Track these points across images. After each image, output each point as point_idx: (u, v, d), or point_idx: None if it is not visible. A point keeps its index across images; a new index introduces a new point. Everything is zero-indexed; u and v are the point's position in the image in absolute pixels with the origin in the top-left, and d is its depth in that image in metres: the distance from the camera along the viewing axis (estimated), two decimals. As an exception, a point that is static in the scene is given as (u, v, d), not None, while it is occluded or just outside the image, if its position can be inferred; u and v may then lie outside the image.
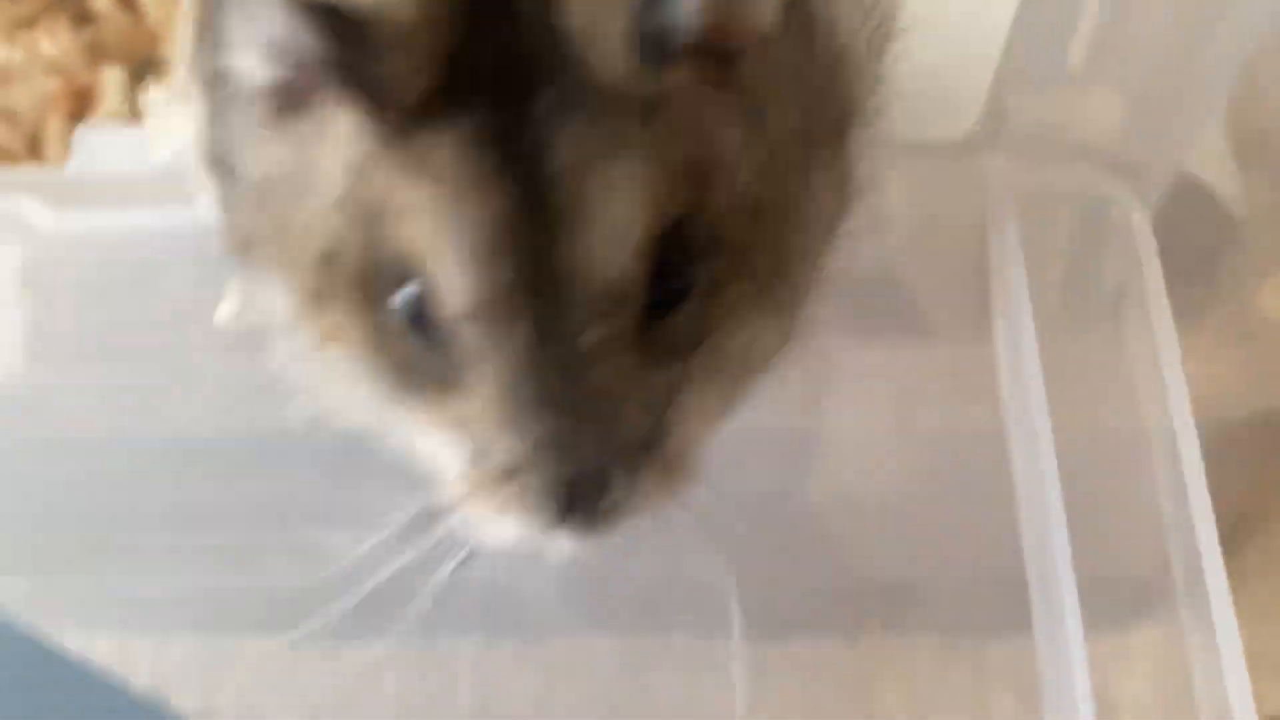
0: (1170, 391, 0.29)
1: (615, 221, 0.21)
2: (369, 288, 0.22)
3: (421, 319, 0.22)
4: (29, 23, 0.47)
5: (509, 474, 0.22)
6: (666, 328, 0.22)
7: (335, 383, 0.24)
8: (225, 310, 0.30)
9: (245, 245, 0.25)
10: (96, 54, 0.47)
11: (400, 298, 0.22)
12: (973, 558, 0.36)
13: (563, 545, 0.22)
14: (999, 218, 0.30)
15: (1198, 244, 0.32)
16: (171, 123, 0.30)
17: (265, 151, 0.24)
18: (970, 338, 0.31)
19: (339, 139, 0.22)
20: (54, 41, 0.46)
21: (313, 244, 0.23)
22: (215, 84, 0.25)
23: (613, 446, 0.22)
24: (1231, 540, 0.35)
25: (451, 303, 0.21)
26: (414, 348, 0.22)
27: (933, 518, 0.36)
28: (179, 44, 0.28)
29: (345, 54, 0.21)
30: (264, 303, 0.25)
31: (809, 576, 0.40)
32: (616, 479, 0.22)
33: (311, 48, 0.21)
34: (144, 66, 0.46)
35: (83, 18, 0.48)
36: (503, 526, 0.22)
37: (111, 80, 0.46)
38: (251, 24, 0.22)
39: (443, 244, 0.21)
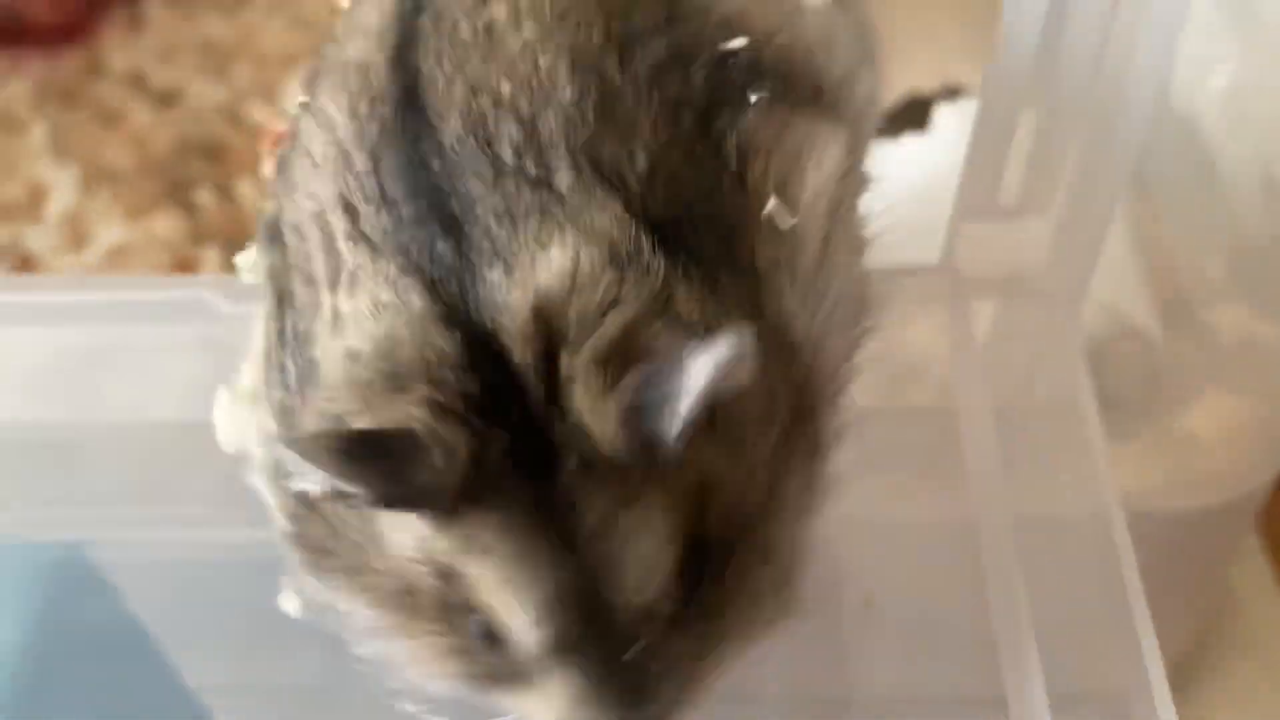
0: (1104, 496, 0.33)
1: (644, 562, 0.25)
2: (446, 613, 0.26)
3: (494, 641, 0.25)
4: (145, 210, 0.56)
5: None
6: (691, 616, 0.25)
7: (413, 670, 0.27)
8: (291, 604, 0.30)
9: (318, 556, 0.27)
10: (199, 236, 0.56)
11: (475, 626, 0.25)
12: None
13: None
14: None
15: (1127, 370, 0.39)
16: (238, 419, 0.30)
17: (338, 509, 0.26)
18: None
19: (403, 521, 0.25)
20: (165, 225, 0.55)
21: (391, 582, 0.26)
22: (281, 415, 0.27)
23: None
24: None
25: (523, 644, 0.25)
26: (487, 658, 0.26)
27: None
28: (252, 349, 0.30)
29: (384, 488, 0.23)
30: (340, 605, 0.28)
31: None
32: None
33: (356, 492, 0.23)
34: (238, 244, 0.54)
35: (188, 206, 0.57)
36: None
37: (210, 258, 0.55)
38: (303, 471, 0.24)
39: (506, 605, 0.24)
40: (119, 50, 0.66)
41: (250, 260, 0.33)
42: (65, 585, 0.31)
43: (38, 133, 0.61)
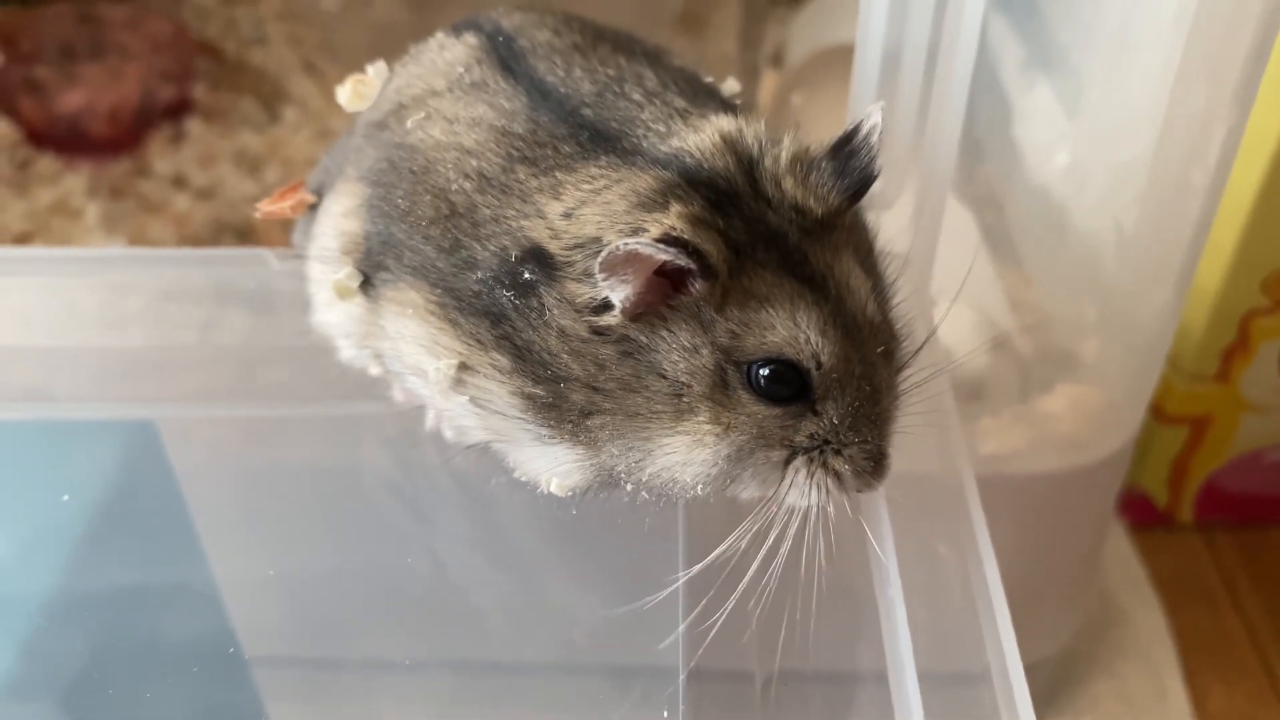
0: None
1: (863, 287, 0.33)
2: (719, 394, 0.32)
3: (767, 390, 0.32)
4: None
5: (850, 453, 0.33)
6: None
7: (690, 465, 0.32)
8: (558, 485, 0.35)
9: (581, 418, 0.33)
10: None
11: (761, 379, 0.32)
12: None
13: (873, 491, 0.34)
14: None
15: (1000, 368, 0.48)
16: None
17: (594, 350, 0.32)
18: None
19: (685, 321, 0.32)
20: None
21: (665, 389, 0.32)
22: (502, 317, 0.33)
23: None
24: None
25: (822, 365, 0.32)
26: (761, 410, 0.32)
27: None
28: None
29: (697, 269, 0.31)
30: (611, 460, 0.33)
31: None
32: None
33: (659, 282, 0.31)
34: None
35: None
36: (829, 486, 0.33)
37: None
38: (626, 275, 0.31)
39: (795, 334, 0.32)
40: (162, 158, 0.77)
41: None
42: (132, 463, 0.38)
43: (91, 214, 0.71)
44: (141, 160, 0.76)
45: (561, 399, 0.32)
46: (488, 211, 0.33)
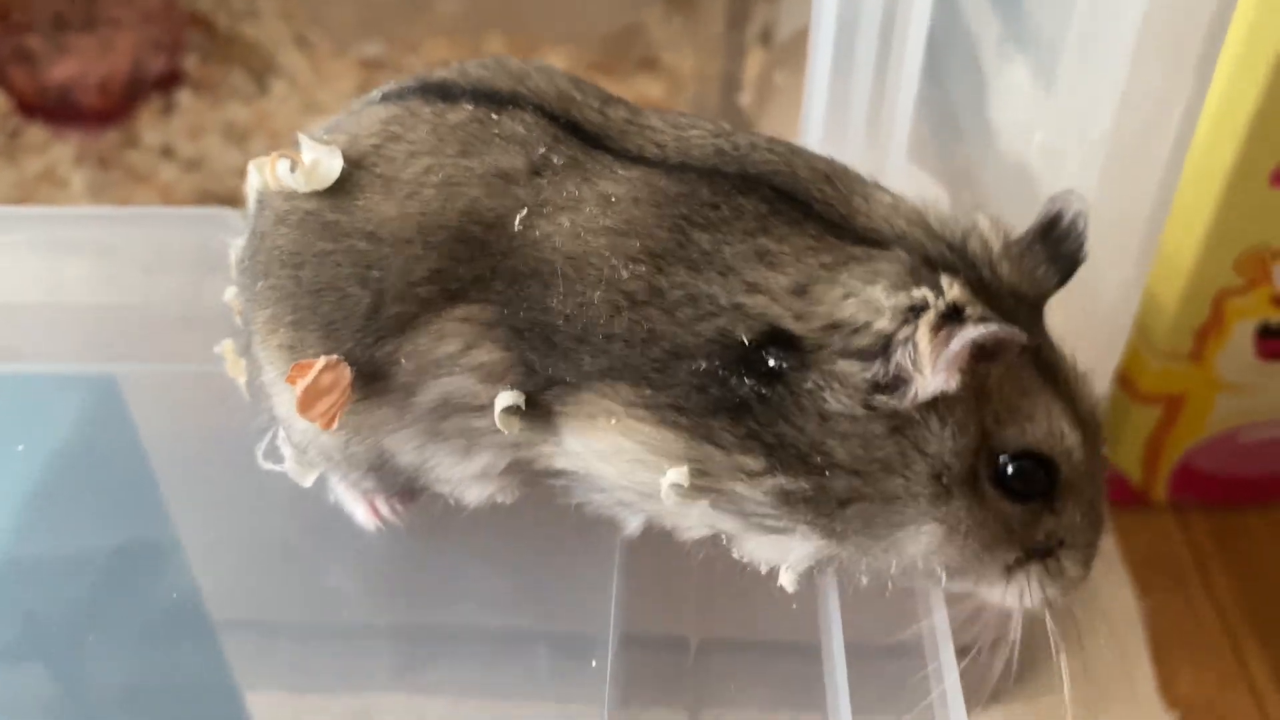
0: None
1: (1082, 381, 0.34)
2: (971, 482, 0.31)
3: (1017, 485, 0.32)
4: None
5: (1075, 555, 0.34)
6: None
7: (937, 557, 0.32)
8: (789, 578, 0.33)
9: (839, 508, 0.31)
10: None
11: (1012, 472, 0.31)
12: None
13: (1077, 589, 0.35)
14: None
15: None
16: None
17: (862, 430, 0.30)
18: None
19: (963, 400, 0.31)
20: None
21: (926, 470, 0.31)
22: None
23: None
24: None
25: (1071, 460, 0.32)
26: (1004, 507, 0.32)
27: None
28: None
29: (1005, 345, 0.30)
30: (853, 551, 0.32)
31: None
32: None
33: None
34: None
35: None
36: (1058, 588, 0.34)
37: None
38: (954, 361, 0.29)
39: (1055, 425, 0.32)
40: (151, 128, 0.77)
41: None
42: (92, 416, 0.38)
43: (77, 183, 0.72)
44: (130, 131, 0.77)
45: (821, 490, 0.30)
46: (680, 293, 0.30)
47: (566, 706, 0.38)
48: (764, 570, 0.33)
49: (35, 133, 0.76)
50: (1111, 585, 0.62)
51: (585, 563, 0.38)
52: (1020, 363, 0.31)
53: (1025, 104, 0.54)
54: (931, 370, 0.29)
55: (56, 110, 0.79)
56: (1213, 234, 0.55)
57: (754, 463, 0.30)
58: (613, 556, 0.38)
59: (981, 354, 0.30)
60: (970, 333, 0.29)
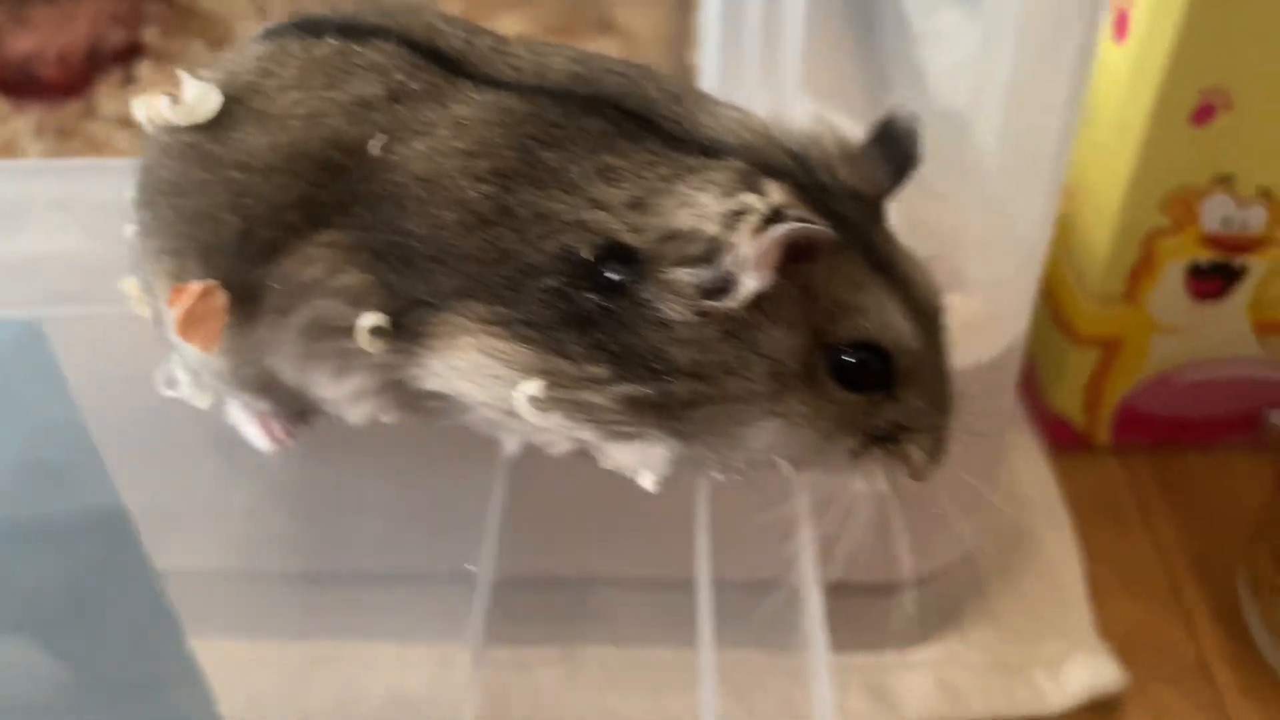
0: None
1: (921, 274, 0.34)
2: (810, 377, 0.32)
3: (854, 376, 0.33)
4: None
5: (921, 440, 0.34)
6: None
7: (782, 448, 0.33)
8: (650, 480, 0.34)
9: (685, 410, 0.32)
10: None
11: (848, 365, 0.32)
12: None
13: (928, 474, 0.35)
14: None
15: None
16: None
17: (698, 336, 0.31)
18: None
19: (790, 292, 0.32)
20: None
21: (764, 369, 0.32)
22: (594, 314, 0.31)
23: None
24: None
25: (907, 350, 0.33)
26: (844, 398, 0.33)
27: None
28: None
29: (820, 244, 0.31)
30: (704, 450, 0.33)
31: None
32: None
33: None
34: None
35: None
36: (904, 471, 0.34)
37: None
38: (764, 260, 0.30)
39: (888, 316, 0.32)
40: (111, 101, 0.78)
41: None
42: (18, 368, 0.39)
43: (36, 153, 0.73)
44: (90, 102, 0.78)
45: (666, 395, 0.32)
46: (527, 212, 0.31)
47: (440, 645, 0.39)
48: (633, 475, 0.34)
49: (-5, 106, 0.77)
50: (1053, 525, 0.63)
51: (463, 499, 0.39)
52: (849, 259, 0.32)
53: (953, 49, 0.55)
54: (751, 271, 0.30)
55: (16, 83, 0.80)
56: (1137, 175, 0.56)
57: (601, 371, 0.31)
58: (490, 494, 0.39)
59: (798, 252, 0.31)
60: (777, 232, 0.30)
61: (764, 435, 0.33)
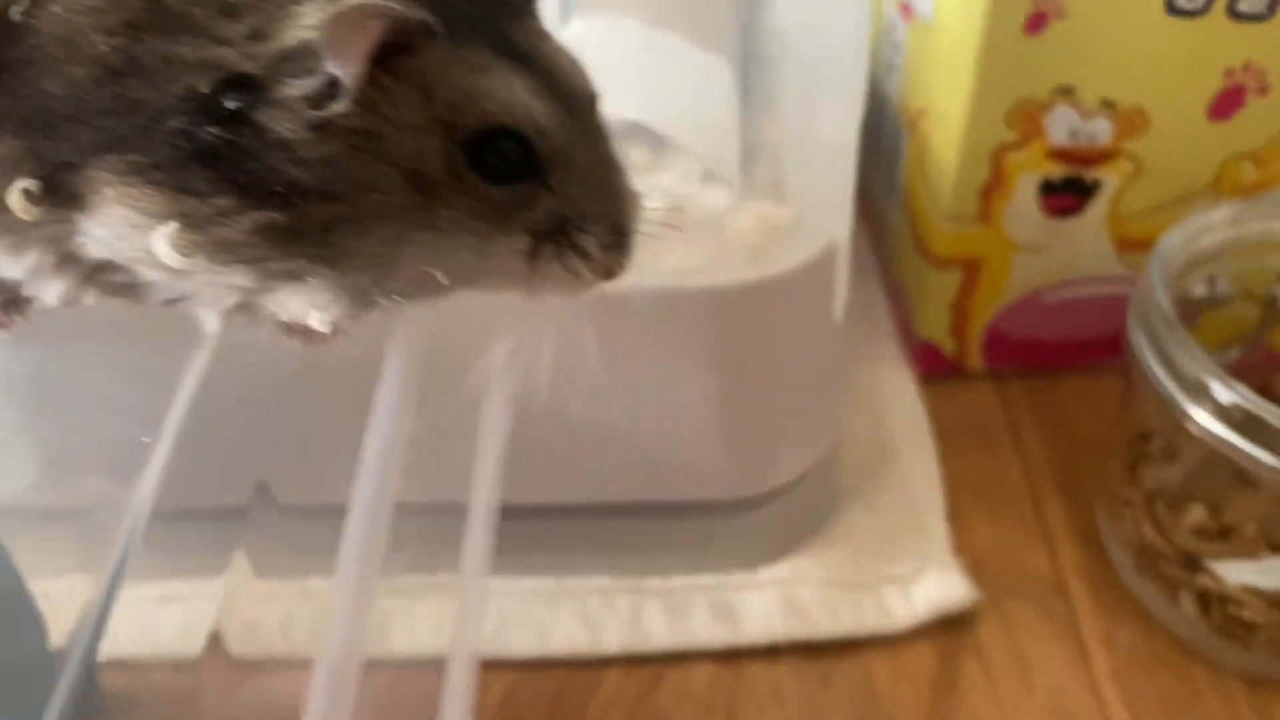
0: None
1: (570, 62, 0.33)
2: (453, 180, 0.31)
3: (495, 166, 0.32)
4: None
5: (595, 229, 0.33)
6: None
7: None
8: (318, 319, 0.33)
9: (323, 234, 0.31)
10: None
11: (487, 155, 0.31)
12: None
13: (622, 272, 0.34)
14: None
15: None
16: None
17: (320, 153, 0.31)
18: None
19: (404, 92, 0.31)
20: None
21: (399, 179, 0.31)
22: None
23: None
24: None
25: (544, 131, 0.32)
26: (492, 193, 0.32)
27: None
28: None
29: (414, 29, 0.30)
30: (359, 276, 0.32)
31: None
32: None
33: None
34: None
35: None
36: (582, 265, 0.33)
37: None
38: (348, 47, 0.30)
39: (515, 97, 0.31)
40: None
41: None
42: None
43: None
44: None
45: (301, 219, 0.31)
46: (155, 59, 0.31)
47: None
48: (307, 321, 0.34)
49: None
50: (917, 449, 0.63)
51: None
52: (472, 50, 0.32)
53: None
54: (349, 70, 0.30)
55: None
56: (977, 89, 0.56)
57: (228, 203, 0.31)
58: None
59: (398, 45, 0.31)
60: (362, 22, 0.29)
61: (418, 251, 0.32)
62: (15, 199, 0.32)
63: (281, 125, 0.31)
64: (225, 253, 0.32)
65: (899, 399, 0.65)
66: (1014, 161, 0.58)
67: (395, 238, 0.32)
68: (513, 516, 0.39)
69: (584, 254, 0.33)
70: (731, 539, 0.56)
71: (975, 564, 0.58)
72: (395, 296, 0.33)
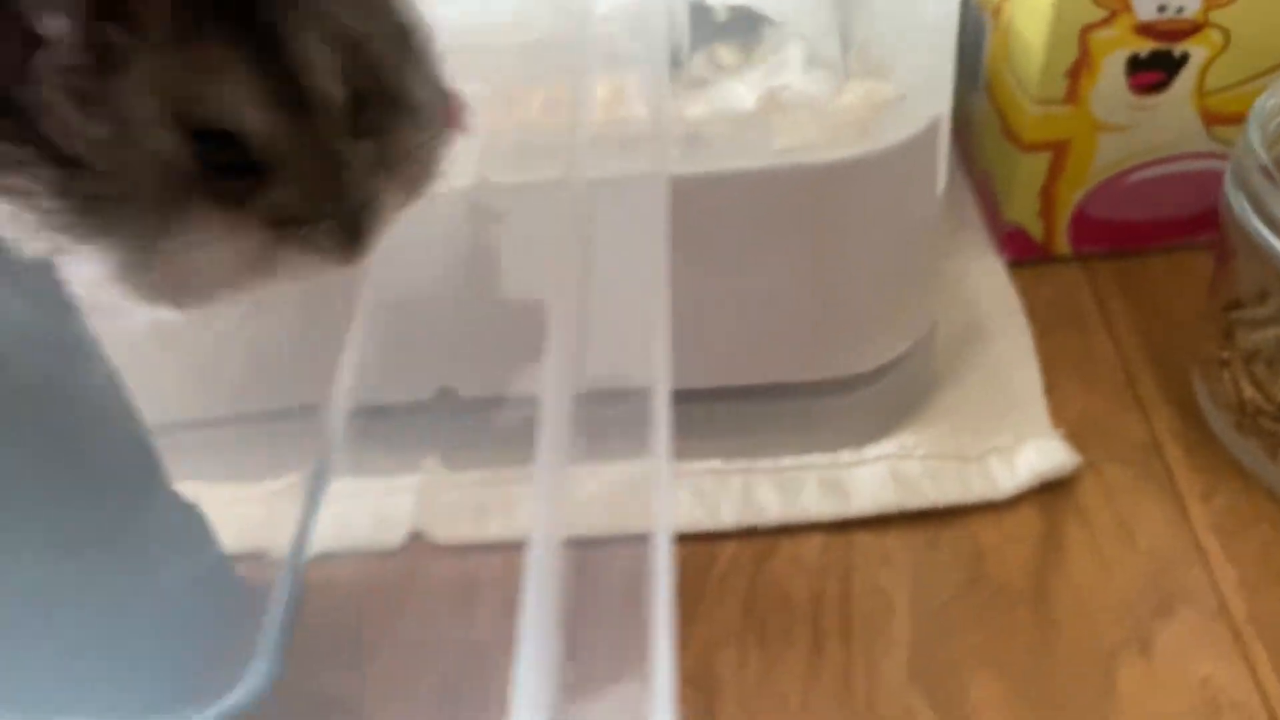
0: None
1: (323, 59, 0.33)
2: (200, 175, 0.33)
3: (218, 163, 0.33)
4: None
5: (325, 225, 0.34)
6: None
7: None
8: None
9: (93, 199, 0.33)
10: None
11: (211, 153, 0.33)
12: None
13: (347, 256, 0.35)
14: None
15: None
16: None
17: (83, 123, 0.32)
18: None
19: (138, 87, 0.32)
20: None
21: (148, 170, 0.32)
22: None
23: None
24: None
25: (261, 133, 0.33)
26: (220, 188, 0.33)
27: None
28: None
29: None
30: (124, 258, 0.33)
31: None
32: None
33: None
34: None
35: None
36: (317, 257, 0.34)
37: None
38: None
39: (234, 100, 0.32)
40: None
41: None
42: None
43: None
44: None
45: (71, 180, 0.33)
46: None
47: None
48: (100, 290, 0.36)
49: None
50: (1009, 330, 0.65)
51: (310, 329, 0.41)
52: (210, 46, 0.33)
53: None
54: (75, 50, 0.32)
55: None
56: (1066, -34, 0.57)
57: (24, 153, 0.33)
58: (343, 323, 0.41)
59: (120, 23, 0.32)
60: None
61: (177, 241, 0.34)
62: None
63: (54, 88, 0.32)
64: (19, 198, 0.34)
65: (989, 284, 0.67)
66: (1101, 39, 0.59)
67: (151, 220, 0.33)
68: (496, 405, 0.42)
69: (316, 245, 0.35)
70: (837, 419, 0.59)
71: (1073, 433, 0.60)
72: (167, 289, 0.35)
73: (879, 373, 0.58)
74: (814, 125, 0.49)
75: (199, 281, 0.35)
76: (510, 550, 0.33)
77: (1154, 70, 0.60)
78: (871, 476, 0.58)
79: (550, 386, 0.36)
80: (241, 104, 0.33)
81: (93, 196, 0.33)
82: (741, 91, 0.52)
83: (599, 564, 0.38)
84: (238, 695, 0.38)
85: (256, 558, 0.43)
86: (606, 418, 0.38)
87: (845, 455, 0.59)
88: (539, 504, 0.33)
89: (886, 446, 0.59)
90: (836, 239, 0.51)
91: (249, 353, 0.44)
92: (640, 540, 0.33)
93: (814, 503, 0.57)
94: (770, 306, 0.53)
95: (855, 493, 0.57)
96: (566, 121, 0.40)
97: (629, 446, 0.37)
